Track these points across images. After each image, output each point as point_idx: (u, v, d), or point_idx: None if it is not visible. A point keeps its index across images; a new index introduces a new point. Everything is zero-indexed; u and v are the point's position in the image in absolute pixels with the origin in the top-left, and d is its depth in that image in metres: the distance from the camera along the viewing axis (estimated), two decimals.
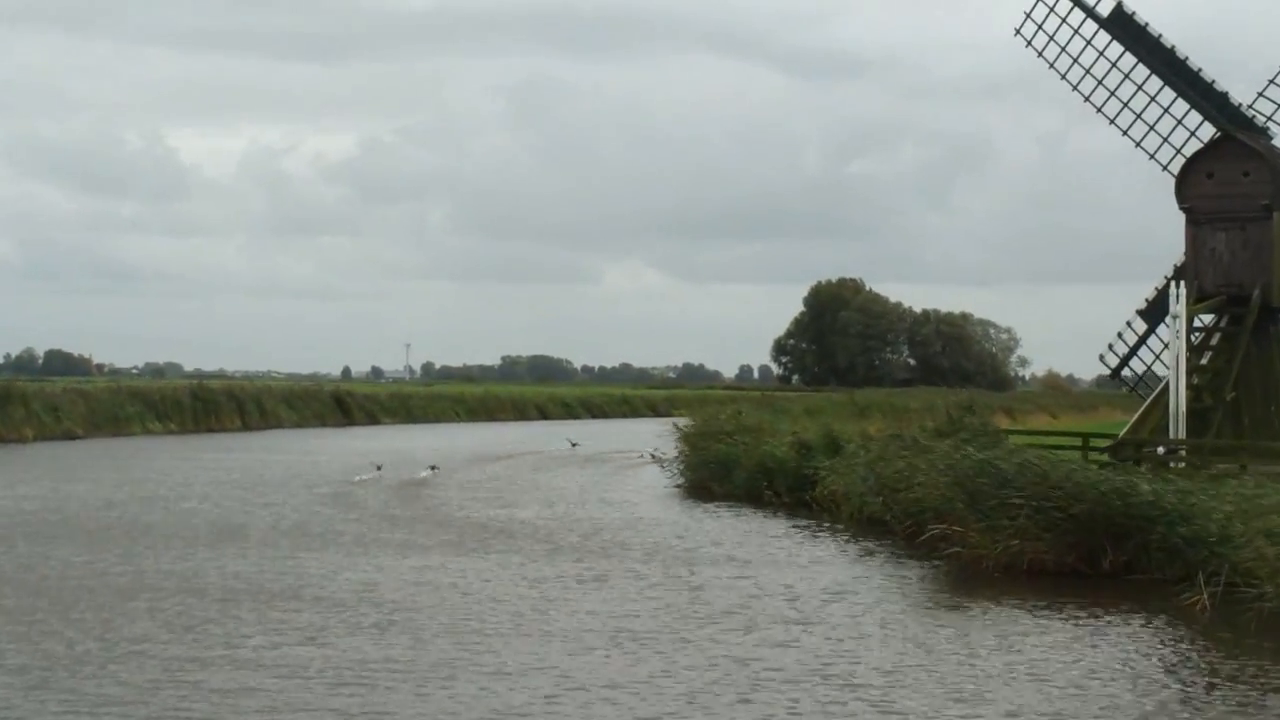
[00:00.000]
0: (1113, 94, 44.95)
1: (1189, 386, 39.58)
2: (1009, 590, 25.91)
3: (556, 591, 25.21)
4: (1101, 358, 47.31)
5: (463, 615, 22.64)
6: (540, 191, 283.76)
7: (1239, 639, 21.59)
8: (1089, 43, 45.09)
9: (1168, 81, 44.24)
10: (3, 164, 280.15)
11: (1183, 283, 39.70)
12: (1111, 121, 45.01)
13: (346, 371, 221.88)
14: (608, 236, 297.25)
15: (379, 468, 51.93)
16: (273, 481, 48.06)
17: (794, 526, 36.26)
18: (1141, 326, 46.15)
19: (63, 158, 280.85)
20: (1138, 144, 44.82)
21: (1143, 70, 44.57)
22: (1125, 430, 42.80)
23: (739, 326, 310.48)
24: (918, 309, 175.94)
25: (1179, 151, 44.25)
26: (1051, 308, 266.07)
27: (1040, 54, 45.62)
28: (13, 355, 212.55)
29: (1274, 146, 43.82)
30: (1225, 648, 21.07)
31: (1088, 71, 45.22)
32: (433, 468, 53.25)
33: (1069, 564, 27.51)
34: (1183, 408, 38.48)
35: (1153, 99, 44.56)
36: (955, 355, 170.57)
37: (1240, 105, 43.77)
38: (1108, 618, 23.38)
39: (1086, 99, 45.25)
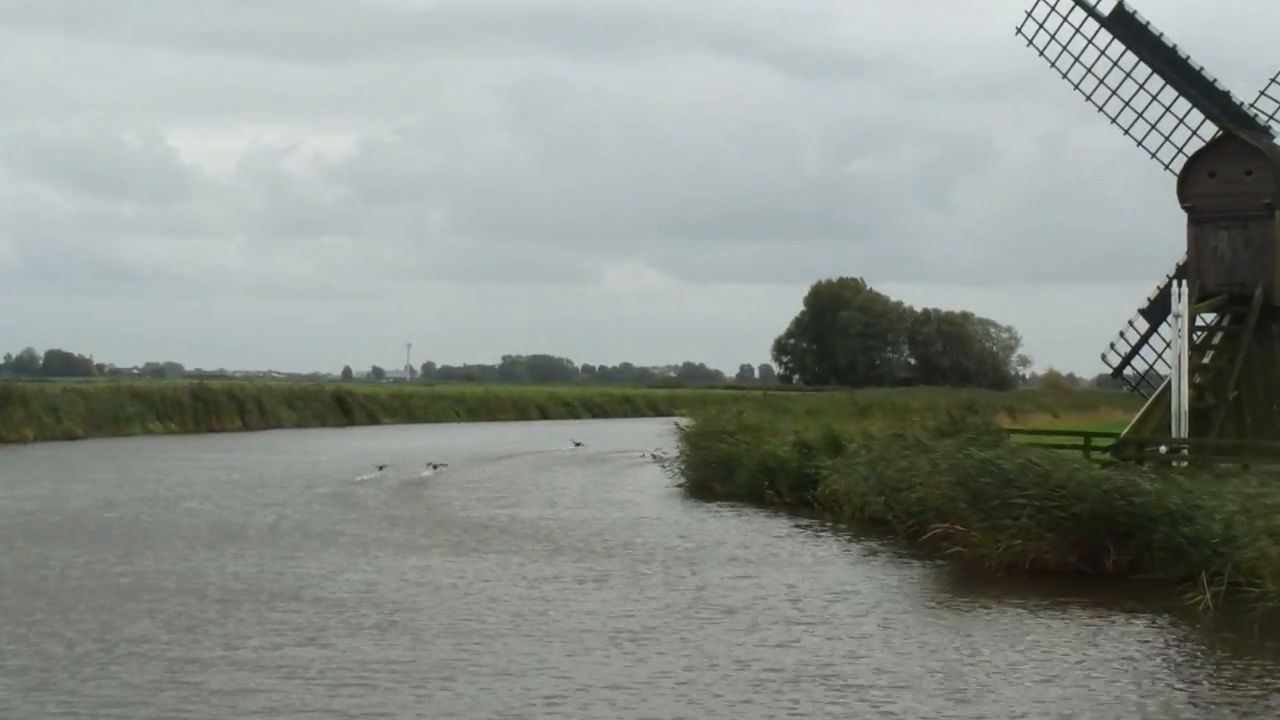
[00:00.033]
0: (1114, 93, 44.84)
1: (1191, 385, 39.49)
2: (1012, 590, 25.84)
3: (557, 592, 25.15)
4: (1103, 357, 47.19)
5: (463, 616, 22.58)
6: (540, 191, 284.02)
7: (1242, 639, 21.54)
8: (1090, 41, 44.97)
9: (1169, 80, 44.13)
10: (3, 164, 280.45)
11: (1185, 282, 39.60)
12: (1113, 120, 44.90)
13: (347, 371, 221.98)
14: (608, 236, 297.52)
15: (382, 467, 51.93)
16: (273, 482, 48.00)
17: (796, 526, 36.20)
18: (1143, 326, 46.01)
19: (63, 158, 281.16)
20: (1139, 143, 44.71)
21: (1144, 69, 44.44)
22: (1127, 429, 42.70)
23: (739, 326, 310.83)
24: (918, 308, 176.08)
25: (1180, 150, 44.15)
26: (1052, 307, 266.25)
27: (1041, 53, 45.51)
28: (13, 355, 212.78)
29: (1276, 145, 43.69)
30: (1229, 648, 21.02)
31: (1089, 70, 45.10)
32: (435, 466, 53.25)
33: (1072, 564, 27.46)
34: (1185, 407, 38.40)
35: (1154, 98, 44.45)
36: (956, 355, 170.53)
37: (1242, 104, 43.65)
38: (1111, 617, 23.31)
39: (1088, 98, 45.15)
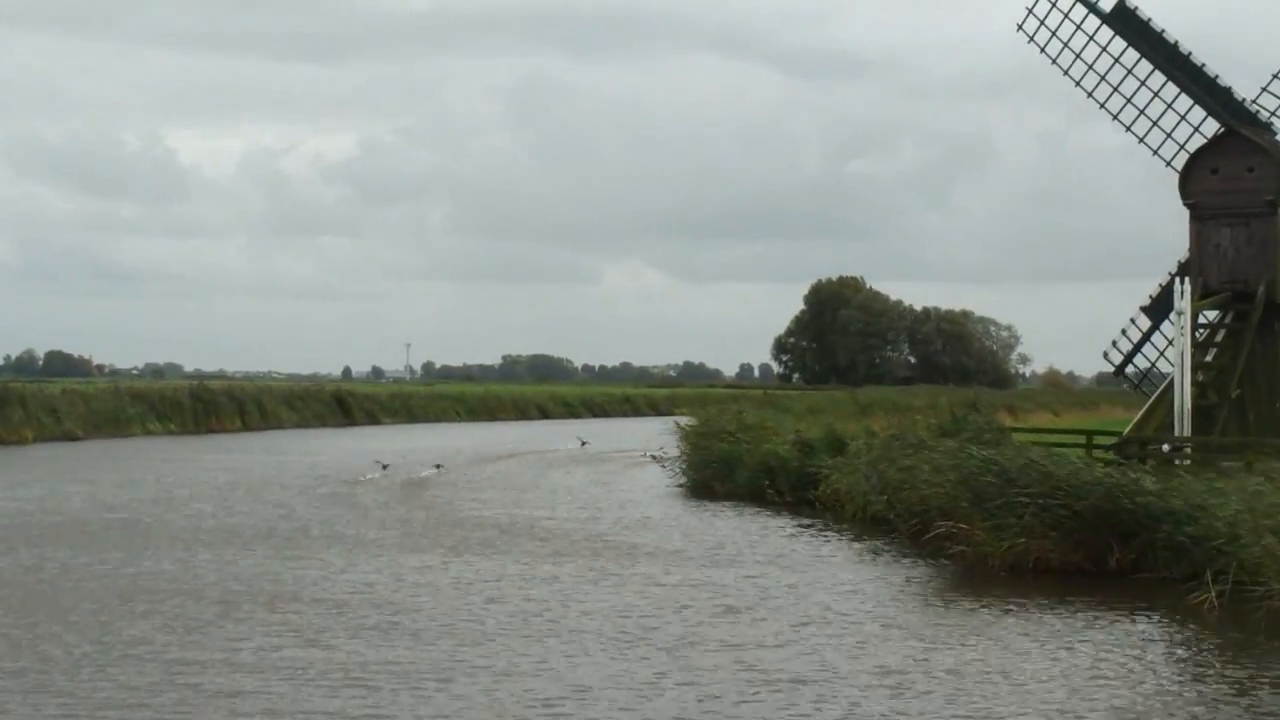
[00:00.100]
0: (1115, 90, 44.78)
1: (1194, 383, 39.42)
2: (1015, 589, 25.74)
3: (558, 592, 25.03)
4: (1105, 355, 47.13)
5: (464, 616, 22.47)
6: (540, 191, 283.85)
7: (1248, 637, 21.44)
8: (1091, 38, 44.92)
9: (1171, 77, 44.06)
10: (2, 164, 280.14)
11: (1187, 279, 39.51)
12: (1114, 117, 44.84)
13: (347, 371, 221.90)
14: (608, 236, 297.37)
15: (385, 467, 51.84)
16: (273, 482, 47.88)
17: (798, 525, 36.08)
18: (1145, 323, 45.94)
19: (62, 158, 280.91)
20: (1141, 140, 44.65)
21: (1145, 66, 44.39)
22: (1130, 428, 42.61)
23: (739, 325, 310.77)
24: (918, 307, 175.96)
25: (1182, 147, 44.08)
26: (1052, 305, 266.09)
27: (1043, 50, 45.46)
28: (12, 356, 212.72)
29: (1278, 142, 43.62)
30: (1234, 646, 20.90)
31: (1090, 67, 45.05)
32: (437, 466, 53.21)
33: (1075, 562, 27.36)
34: (1188, 405, 38.32)
35: (1156, 94, 44.39)
36: (956, 353, 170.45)
37: (1244, 100, 43.58)
38: (1116, 616, 23.20)
39: (1089, 95, 45.09)
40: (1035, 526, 27.51)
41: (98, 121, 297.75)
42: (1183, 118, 44.23)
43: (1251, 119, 43.44)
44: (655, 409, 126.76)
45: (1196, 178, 43.15)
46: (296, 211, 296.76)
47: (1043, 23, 45.41)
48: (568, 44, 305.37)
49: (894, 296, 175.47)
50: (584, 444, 70.02)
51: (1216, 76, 43.76)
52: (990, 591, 25.60)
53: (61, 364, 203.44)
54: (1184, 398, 38.22)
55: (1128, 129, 44.78)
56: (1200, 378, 41.25)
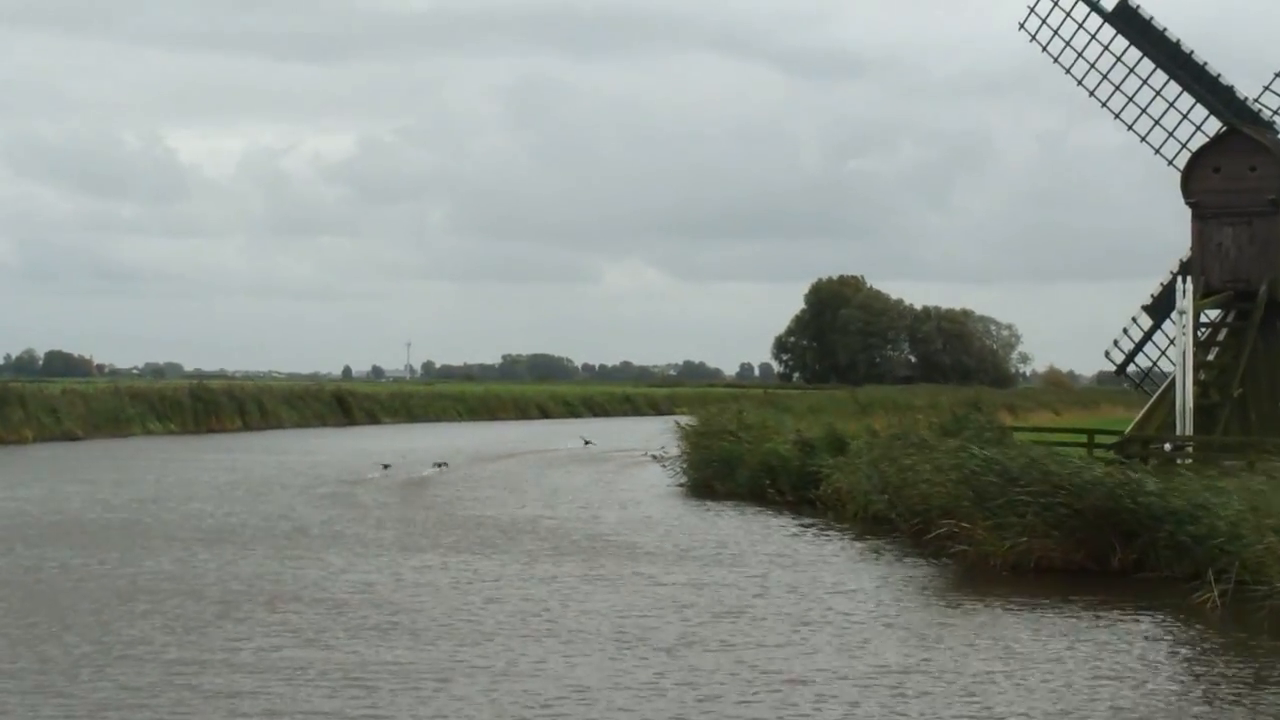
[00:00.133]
0: (1117, 88, 44.71)
1: (1196, 382, 39.33)
2: (1017, 588, 25.67)
3: (558, 592, 24.96)
4: (1107, 354, 47.06)
5: (464, 616, 22.39)
6: (540, 191, 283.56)
7: (1251, 637, 21.36)
8: (1093, 37, 44.84)
9: (1173, 75, 43.98)
10: (2, 164, 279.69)
11: (1189, 278, 39.42)
12: (1116, 116, 44.76)
13: (347, 371, 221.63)
14: (607, 236, 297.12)
15: (386, 466, 51.76)
16: (274, 482, 47.80)
17: (799, 525, 36.01)
18: (1147, 322, 45.87)
19: (61, 158, 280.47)
20: (1143, 139, 44.56)
21: (1148, 64, 44.31)
22: (1131, 427, 42.53)
23: (739, 325, 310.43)
24: (918, 306, 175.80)
25: (1184, 146, 44.00)
26: (1052, 305, 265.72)
27: (1044, 49, 45.39)
28: (13, 356, 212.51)
29: None
30: (1237, 646, 20.83)
31: (1092, 66, 44.98)
32: (438, 465, 53.12)
33: (1078, 562, 27.29)
34: (1190, 404, 38.24)
35: (1158, 93, 44.31)
36: (956, 352, 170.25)
37: (1246, 99, 43.49)
38: (1118, 616, 23.13)
39: (1091, 94, 45.03)
40: (1037, 526, 27.44)
41: (97, 121, 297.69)
42: (1185, 116, 44.16)
43: (1254, 118, 43.36)
44: (655, 408, 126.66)
45: (1199, 176, 43.06)
46: (296, 211, 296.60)
47: (1044, 21, 45.35)
48: (568, 44, 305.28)
49: (894, 296, 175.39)
50: (588, 443, 70.01)
51: (1219, 75, 43.70)
52: (992, 591, 25.53)
53: (61, 364, 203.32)
54: (1186, 397, 38.14)
55: (1129, 128, 44.72)
56: (1202, 377, 41.16)
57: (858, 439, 41.07)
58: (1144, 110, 44.54)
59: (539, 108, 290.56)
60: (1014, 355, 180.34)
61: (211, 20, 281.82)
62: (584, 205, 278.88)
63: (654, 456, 58.20)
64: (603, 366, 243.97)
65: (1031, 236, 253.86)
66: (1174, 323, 39.30)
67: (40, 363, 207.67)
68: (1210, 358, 43.01)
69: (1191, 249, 43.31)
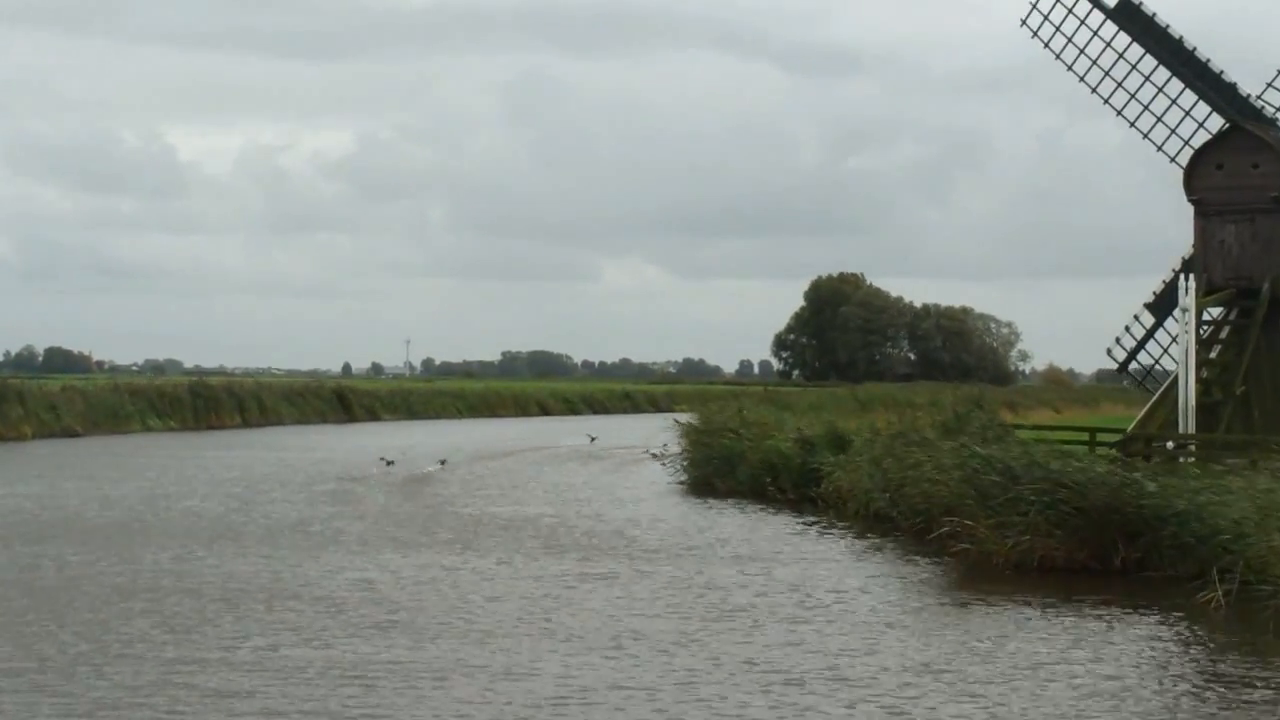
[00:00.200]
0: (1120, 85, 44.58)
1: (1198, 380, 39.21)
2: (1020, 587, 25.55)
3: (559, 590, 24.86)
4: (1109, 352, 46.92)
5: (464, 615, 22.29)
6: (539, 189, 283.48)
7: (1256, 636, 21.26)
8: (1096, 33, 44.72)
9: (1175, 72, 43.85)
10: (1, 163, 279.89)
11: (1191, 276, 39.30)
12: (1119, 113, 44.64)
13: (347, 368, 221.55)
14: (607, 233, 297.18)
15: (389, 463, 51.65)
16: (273, 479, 47.70)
17: (800, 523, 35.91)
18: (1149, 320, 45.75)
19: (61, 156, 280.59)
20: (1145, 135, 44.43)
21: (1150, 61, 44.18)
22: (1133, 425, 42.44)
23: (739, 322, 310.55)
24: (918, 304, 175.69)
25: (1187, 143, 43.88)
26: (1052, 302, 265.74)
27: (1046, 45, 45.26)
28: (12, 353, 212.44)
29: None
30: (1241, 645, 20.73)
31: (1094, 63, 44.85)
32: (441, 462, 53.05)
33: (1080, 561, 27.17)
34: (1192, 402, 38.13)
35: (1160, 90, 44.18)
36: (956, 350, 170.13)
37: (1249, 96, 43.36)
38: (1122, 615, 23.03)
39: (1093, 90, 44.89)
40: (1040, 524, 27.32)
41: (96, 119, 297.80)
42: (1187, 113, 44.04)
43: (1257, 114, 43.25)
44: (655, 405, 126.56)
45: (1201, 174, 42.93)
46: (295, 208, 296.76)
47: (1046, 18, 45.23)
48: (566, 41, 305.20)
49: (894, 293, 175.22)
50: (593, 439, 70.11)
51: (1221, 72, 43.58)
52: (994, 590, 25.41)
53: (61, 360, 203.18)
54: (1188, 395, 38.03)
55: (1132, 125, 44.60)
56: (1204, 375, 41.03)
57: (859, 437, 40.97)
58: (1146, 107, 44.42)
59: (538, 105, 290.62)
60: (1014, 353, 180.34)
61: (210, 18, 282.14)
62: (583, 202, 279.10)
63: (654, 454, 58.10)
64: (602, 364, 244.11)
65: (1031, 234, 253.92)
66: (1176, 320, 39.21)
67: (40, 359, 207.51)
68: (1213, 355, 42.89)
69: (1194, 246, 43.18)
